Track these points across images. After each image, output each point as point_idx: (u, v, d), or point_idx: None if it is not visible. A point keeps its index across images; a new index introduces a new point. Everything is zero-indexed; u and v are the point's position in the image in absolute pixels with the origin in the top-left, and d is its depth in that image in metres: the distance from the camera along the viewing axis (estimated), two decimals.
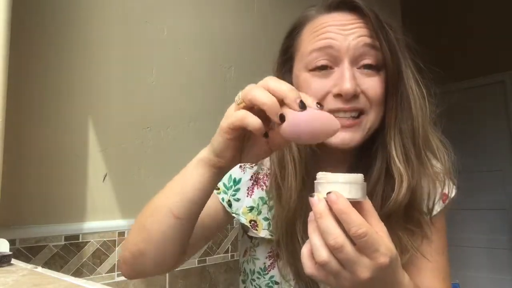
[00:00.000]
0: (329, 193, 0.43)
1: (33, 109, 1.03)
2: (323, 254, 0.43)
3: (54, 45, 1.09)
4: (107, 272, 1.10)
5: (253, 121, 0.45)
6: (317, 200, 0.43)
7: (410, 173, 0.62)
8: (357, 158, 0.68)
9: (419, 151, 0.63)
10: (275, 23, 1.72)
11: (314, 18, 0.66)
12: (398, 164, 0.61)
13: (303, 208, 0.64)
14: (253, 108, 0.47)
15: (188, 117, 1.38)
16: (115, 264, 1.12)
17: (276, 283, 0.71)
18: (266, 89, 0.46)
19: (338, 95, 0.60)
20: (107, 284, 0.99)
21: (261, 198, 0.72)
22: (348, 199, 0.42)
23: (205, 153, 0.55)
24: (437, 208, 0.69)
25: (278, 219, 0.66)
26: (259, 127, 0.45)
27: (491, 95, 3.13)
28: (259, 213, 0.71)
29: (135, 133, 1.23)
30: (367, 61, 0.61)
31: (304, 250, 0.46)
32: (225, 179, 0.72)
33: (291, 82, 0.68)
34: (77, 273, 1.04)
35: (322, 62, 0.62)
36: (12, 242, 0.81)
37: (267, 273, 0.72)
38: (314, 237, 0.44)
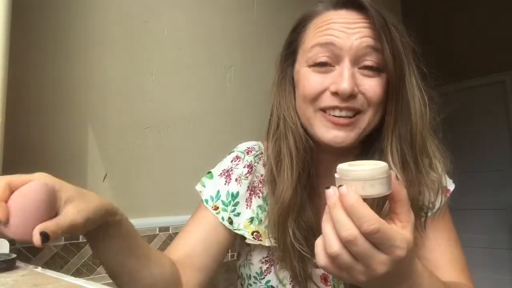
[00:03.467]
0: (340, 186, 0.41)
1: (33, 109, 1.03)
2: (334, 245, 0.41)
3: (54, 45, 1.09)
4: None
5: None
6: (333, 193, 0.42)
7: (406, 180, 0.60)
8: (362, 156, 0.68)
9: (416, 158, 0.62)
10: (275, 23, 1.72)
11: (320, 14, 0.66)
12: (394, 169, 0.60)
13: (297, 203, 0.63)
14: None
15: (188, 117, 1.38)
16: None
17: (273, 287, 0.71)
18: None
19: (335, 93, 0.60)
20: (107, 284, 0.99)
21: (260, 207, 0.71)
22: (362, 195, 0.41)
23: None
24: (441, 203, 0.68)
25: (271, 213, 0.66)
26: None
27: (491, 95, 3.13)
28: (260, 222, 0.70)
29: (135, 133, 1.23)
30: (368, 62, 0.60)
31: (319, 242, 0.44)
32: (223, 196, 0.71)
33: (292, 76, 0.69)
34: (77, 273, 1.04)
35: (323, 58, 0.61)
36: (12, 242, 0.80)
37: (263, 278, 0.71)
38: (326, 227, 0.42)
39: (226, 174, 0.73)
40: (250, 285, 0.73)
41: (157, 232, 1.24)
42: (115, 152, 1.17)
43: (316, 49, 0.62)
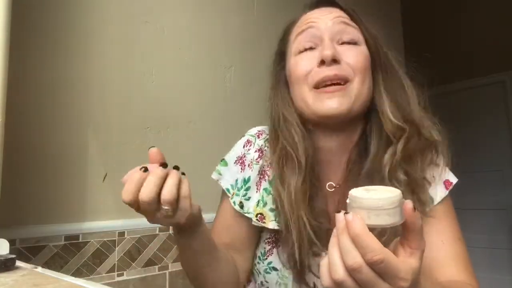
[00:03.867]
0: (346, 213, 0.41)
1: (33, 109, 1.03)
2: (339, 272, 0.41)
3: (54, 45, 1.09)
4: (107, 272, 1.10)
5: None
6: (341, 218, 0.41)
7: (408, 135, 0.64)
8: (359, 139, 0.70)
9: (412, 114, 0.66)
10: (275, 23, 1.71)
11: (299, 18, 0.74)
12: (392, 117, 0.65)
13: (306, 193, 0.66)
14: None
15: (188, 117, 1.38)
16: (115, 264, 1.12)
17: (275, 269, 0.71)
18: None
19: (321, 62, 0.65)
20: (107, 284, 0.99)
21: (265, 190, 0.73)
22: (367, 224, 0.40)
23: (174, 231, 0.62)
24: (441, 195, 0.68)
25: (283, 202, 0.67)
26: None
27: (491, 95, 3.13)
28: (265, 204, 0.72)
29: (135, 133, 1.23)
30: (346, 37, 0.67)
31: (324, 262, 0.44)
32: (239, 181, 0.75)
33: (285, 78, 0.74)
34: (77, 273, 1.04)
35: (307, 44, 0.68)
36: (12, 242, 0.80)
37: (266, 259, 0.73)
38: (333, 252, 0.42)
39: (240, 161, 0.76)
40: (255, 264, 0.76)
41: (157, 232, 1.24)
42: (115, 152, 1.17)
43: (299, 38, 0.70)
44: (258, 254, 0.74)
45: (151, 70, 1.29)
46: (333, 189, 0.71)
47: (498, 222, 3.07)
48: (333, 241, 0.43)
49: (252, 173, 0.74)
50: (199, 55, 1.45)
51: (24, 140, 1.01)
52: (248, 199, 0.73)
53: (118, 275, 1.12)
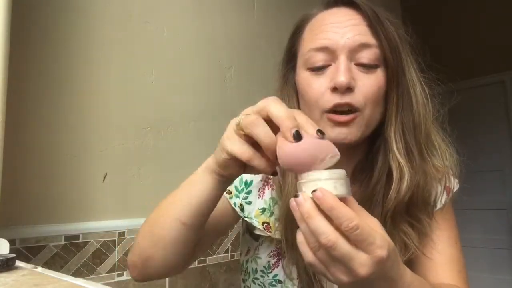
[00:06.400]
0: (314, 191, 0.41)
1: (33, 109, 1.03)
2: (308, 256, 0.42)
3: (54, 45, 1.09)
4: (107, 272, 1.10)
5: (259, 164, 0.47)
6: (303, 200, 0.42)
7: (411, 168, 0.61)
8: (364, 157, 0.68)
9: (421, 146, 0.63)
10: (275, 23, 1.72)
11: (314, 16, 0.68)
12: (398, 156, 0.61)
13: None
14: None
15: (188, 117, 1.38)
16: (115, 264, 1.12)
17: (279, 281, 0.71)
18: (265, 115, 0.46)
19: (334, 89, 0.61)
20: (107, 284, 0.99)
21: (272, 199, 0.71)
22: (337, 194, 0.41)
23: (210, 162, 0.55)
24: (442, 201, 0.69)
25: (280, 214, 0.66)
26: (264, 170, 0.47)
27: (491, 95, 3.13)
28: (271, 214, 0.70)
29: (135, 133, 1.23)
30: (363, 60, 0.62)
31: (300, 238, 0.44)
32: (236, 182, 0.72)
33: (294, 81, 0.70)
34: (77, 273, 1.04)
35: (319, 62, 0.63)
36: (12, 242, 0.80)
37: (271, 272, 0.72)
38: (299, 237, 0.43)
39: None
40: (257, 278, 0.74)
41: None
42: (115, 152, 1.17)
43: (312, 53, 0.64)
44: (260, 268, 0.73)
45: (151, 70, 1.29)
46: None
47: (498, 222, 3.07)
48: (302, 226, 0.43)
49: (255, 177, 0.72)
50: (199, 55, 1.45)
51: (24, 140, 1.01)
52: (249, 203, 0.71)
53: (118, 275, 1.12)
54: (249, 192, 0.72)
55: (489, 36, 3.04)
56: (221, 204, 0.66)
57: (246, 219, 0.71)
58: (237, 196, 0.71)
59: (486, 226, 3.11)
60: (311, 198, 0.41)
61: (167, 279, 1.23)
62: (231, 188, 0.72)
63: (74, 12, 1.14)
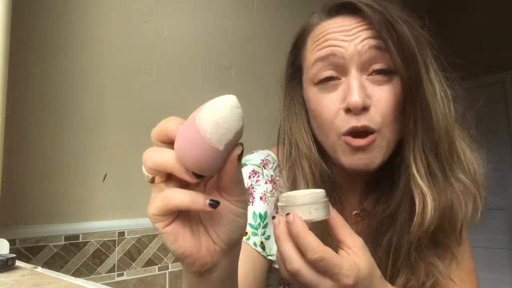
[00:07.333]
0: (287, 214, 0.42)
1: (33, 109, 1.03)
2: (284, 274, 0.43)
3: (54, 45, 1.09)
4: (107, 272, 1.10)
5: (182, 199, 0.33)
6: (278, 222, 0.42)
7: (435, 191, 0.55)
8: (375, 177, 0.62)
9: (443, 166, 0.57)
10: (275, 23, 1.72)
11: (316, 25, 0.61)
12: (420, 180, 0.55)
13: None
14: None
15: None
16: (115, 264, 1.12)
17: None
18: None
19: (348, 110, 0.55)
20: (107, 284, 0.99)
21: None
22: (309, 220, 0.42)
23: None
24: (470, 217, 0.62)
25: None
26: (194, 204, 0.33)
27: (491, 95, 3.13)
28: None
29: (135, 133, 1.23)
30: (378, 65, 0.55)
31: (277, 254, 0.45)
32: (249, 219, 0.62)
33: (301, 97, 0.65)
34: (77, 273, 1.04)
35: (327, 73, 0.57)
36: (12, 242, 0.80)
37: None
38: (277, 254, 0.44)
39: (248, 193, 0.65)
40: None
41: (157, 232, 1.24)
42: (115, 152, 1.17)
43: (318, 64, 0.58)
44: None
45: (151, 70, 1.29)
46: (360, 218, 0.65)
47: (498, 222, 3.07)
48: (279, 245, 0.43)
49: (268, 207, 0.64)
50: (199, 55, 1.45)
51: (24, 140, 1.01)
52: (268, 238, 0.62)
53: (118, 275, 1.12)
54: (265, 226, 0.63)
55: (489, 36, 3.03)
56: (242, 259, 0.52)
57: (269, 257, 0.62)
58: (255, 234, 0.62)
59: (486, 226, 3.11)
60: (285, 221, 0.42)
61: (167, 279, 1.23)
62: (247, 228, 0.62)
63: (74, 12, 1.14)
